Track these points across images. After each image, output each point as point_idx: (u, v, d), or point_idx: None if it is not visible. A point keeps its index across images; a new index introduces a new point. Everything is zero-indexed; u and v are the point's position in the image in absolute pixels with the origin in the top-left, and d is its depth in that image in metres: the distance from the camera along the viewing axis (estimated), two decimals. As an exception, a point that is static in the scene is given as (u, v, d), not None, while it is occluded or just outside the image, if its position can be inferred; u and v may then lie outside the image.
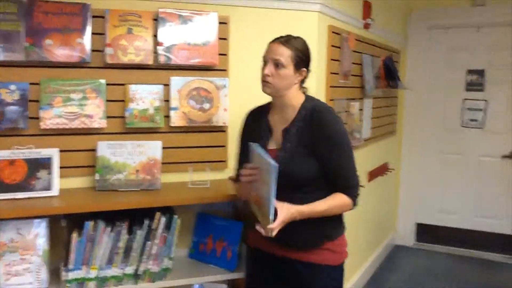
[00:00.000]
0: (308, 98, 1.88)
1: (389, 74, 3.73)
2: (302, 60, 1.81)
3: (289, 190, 1.73)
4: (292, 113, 1.84)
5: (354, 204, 1.83)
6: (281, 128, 1.85)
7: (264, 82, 1.80)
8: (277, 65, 1.78)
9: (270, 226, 1.60)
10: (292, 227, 1.71)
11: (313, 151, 1.78)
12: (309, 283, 1.87)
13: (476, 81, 4.50)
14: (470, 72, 4.52)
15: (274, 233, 1.62)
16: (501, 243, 4.52)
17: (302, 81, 1.88)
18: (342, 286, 1.96)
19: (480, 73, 4.48)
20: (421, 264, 4.38)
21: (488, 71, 4.43)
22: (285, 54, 1.77)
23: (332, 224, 1.88)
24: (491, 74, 4.42)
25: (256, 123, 1.95)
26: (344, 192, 1.80)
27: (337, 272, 1.92)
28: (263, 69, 1.81)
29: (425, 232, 4.85)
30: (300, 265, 1.87)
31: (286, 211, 1.66)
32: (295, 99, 1.85)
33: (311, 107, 1.82)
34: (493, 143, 4.46)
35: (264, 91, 1.83)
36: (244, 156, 1.93)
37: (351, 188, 1.82)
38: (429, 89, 4.68)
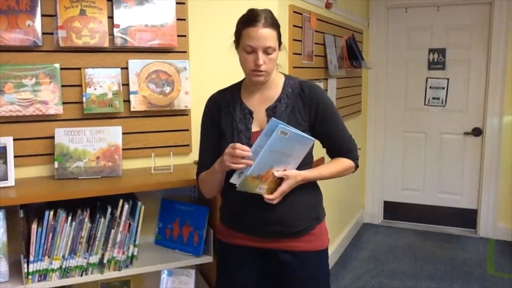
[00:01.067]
0: (288, 76, 1.83)
1: (353, 54, 3.74)
2: (280, 36, 1.73)
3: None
4: (275, 92, 1.76)
5: (357, 166, 1.84)
6: (263, 108, 1.75)
7: (257, 72, 1.67)
8: (271, 52, 1.66)
9: (269, 196, 1.64)
10: (286, 213, 1.72)
11: (309, 125, 1.74)
12: (298, 272, 1.79)
13: (438, 60, 4.57)
14: (432, 51, 4.59)
15: (275, 201, 1.65)
16: (463, 217, 4.65)
17: None
18: (328, 268, 1.93)
19: (442, 52, 4.55)
20: (387, 241, 4.47)
21: (449, 50, 4.51)
22: (273, 37, 1.66)
23: (320, 205, 1.88)
24: (452, 53, 4.50)
25: (228, 108, 1.80)
26: (346, 157, 1.81)
27: (325, 256, 1.88)
28: (247, 59, 1.67)
29: (392, 209, 4.94)
30: (287, 255, 1.77)
31: (291, 180, 1.65)
32: (276, 77, 1.78)
33: (297, 84, 1.76)
34: (454, 120, 4.56)
35: (257, 80, 1.70)
36: (211, 147, 1.80)
37: (352, 152, 1.82)
38: (393, 69, 4.73)
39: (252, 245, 1.80)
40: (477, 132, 4.47)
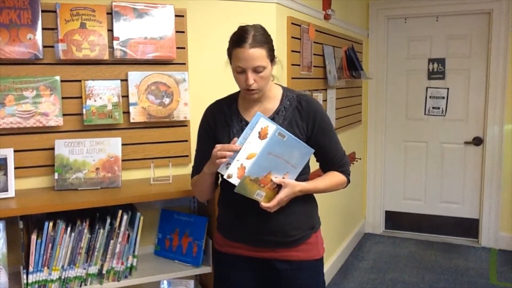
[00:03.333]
0: (286, 88, 1.84)
1: (352, 65, 3.77)
2: (273, 49, 1.72)
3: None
4: (273, 104, 1.77)
5: (348, 181, 1.87)
6: None
7: (249, 90, 1.68)
8: (261, 71, 1.66)
9: (267, 204, 1.64)
10: (282, 223, 1.73)
11: (306, 138, 1.75)
12: (294, 281, 1.80)
13: (437, 69, 4.59)
14: (431, 60, 4.61)
15: (272, 210, 1.66)
16: (465, 227, 4.63)
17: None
18: (324, 277, 1.94)
19: (441, 61, 4.57)
20: (389, 250, 4.46)
21: (448, 59, 4.53)
22: (262, 56, 1.65)
23: (316, 214, 1.89)
24: (451, 63, 4.52)
25: (225, 119, 1.80)
26: (339, 171, 1.83)
27: (321, 265, 1.89)
28: (238, 78, 1.69)
29: (394, 219, 4.93)
30: (283, 264, 1.79)
31: (290, 189, 1.66)
32: (273, 89, 1.80)
33: (295, 97, 1.78)
34: (455, 130, 4.57)
35: (251, 99, 1.74)
36: (205, 156, 1.75)
37: (344, 166, 1.84)
38: (393, 78, 4.75)
39: (248, 255, 1.81)
40: (477, 141, 4.47)
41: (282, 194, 1.65)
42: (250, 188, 1.62)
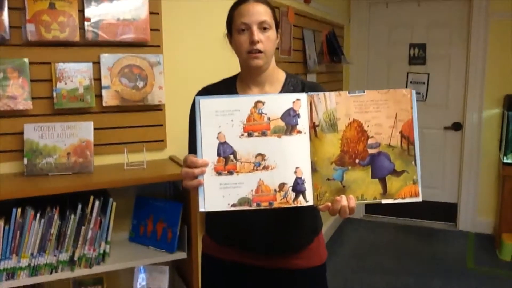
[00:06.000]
0: (289, 74, 1.62)
1: (333, 49, 3.74)
2: (277, 20, 1.53)
3: None
4: (275, 89, 1.56)
5: None
6: None
7: (253, 53, 1.45)
8: (264, 28, 1.45)
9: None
10: (279, 228, 1.53)
11: None
12: None
13: (418, 55, 4.59)
14: (412, 46, 4.60)
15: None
16: (444, 211, 4.69)
17: None
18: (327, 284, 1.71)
19: (422, 47, 4.57)
20: (368, 236, 4.50)
21: (429, 45, 4.53)
22: (267, 12, 1.47)
23: (319, 214, 1.65)
24: (432, 48, 4.53)
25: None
26: None
27: (323, 271, 1.68)
28: (241, 40, 1.46)
29: (373, 204, 4.94)
30: (283, 273, 1.59)
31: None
32: (276, 72, 1.58)
33: (299, 83, 1.58)
34: (435, 115, 4.59)
35: (255, 64, 1.47)
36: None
37: None
38: (374, 64, 4.74)
39: (242, 261, 1.61)
40: (457, 126, 4.50)
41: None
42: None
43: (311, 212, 1.58)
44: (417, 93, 4.55)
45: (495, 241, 4.17)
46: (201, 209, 1.30)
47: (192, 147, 1.44)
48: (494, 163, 4.37)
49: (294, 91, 1.54)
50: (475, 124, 4.39)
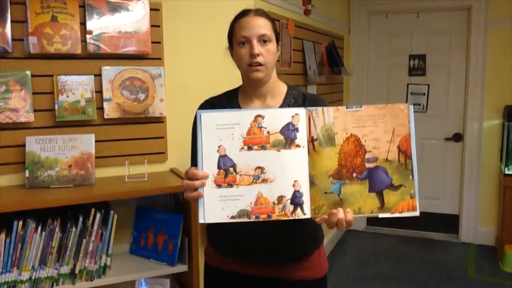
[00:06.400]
0: (291, 86, 1.62)
1: (332, 60, 3.75)
2: (277, 32, 1.55)
3: None
4: (277, 101, 1.56)
5: None
6: None
7: (254, 66, 1.46)
8: (264, 41, 1.46)
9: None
10: (279, 238, 1.51)
11: None
12: None
13: (418, 66, 4.60)
14: (412, 57, 4.62)
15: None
16: (445, 222, 4.67)
17: None
18: None
19: (422, 58, 4.58)
20: (369, 246, 4.48)
21: (429, 55, 4.55)
22: (267, 25, 1.48)
23: (317, 228, 1.62)
24: (432, 59, 4.54)
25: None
26: None
27: (324, 284, 1.65)
28: (241, 53, 1.47)
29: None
30: (283, 284, 1.58)
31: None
32: (278, 84, 1.58)
33: (301, 95, 1.57)
34: (435, 126, 4.59)
35: (256, 77, 1.48)
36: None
37: None
38: (374, 75, 4.75)
39: (243, 272, 1.60)
40: (457, 137, 4.50)
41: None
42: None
43: (311, 224, 1.46)
44: (418, 104, 4.57)
45: (497, 252, 4.15)
46: (201, 221, 1.31)
47: (194, 160, 1.42)
48: (495, 174, 4.36)
49: (296, 103, 1.55)
50: (476, 134, 4.39)
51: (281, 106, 1.54)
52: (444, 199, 4.66)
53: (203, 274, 1.77)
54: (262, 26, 1.47)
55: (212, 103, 1.61)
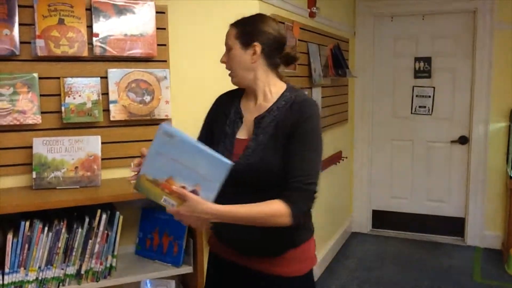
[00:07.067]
0: (291, 88, 1.65)
1: (337, 63, 3.76)
2: (249, 33, 1.60)
3: (251, 189, 1.54)
4: (268, 101, 1.62)
5: (293, 218, 1.47)
6: (254, 116, 1.62)
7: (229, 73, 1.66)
8: (228, 50, 1.63)
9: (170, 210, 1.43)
10: (250, 231, 1.52)
11: (285, 145, 1.55)
12: None
13: (423, 68, 4.60)
14: (418, 59, 4.62)
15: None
16: (451, 225, 4.66)
17: (274, 65, 1.64)
18: None
19: (427, 60, 4.58)
20: (375, 249, 4.47)
21: (435, 58, 4.54)
22: (230, 35, 1.63)
23: (296, 228, 1.59)
24: (437, 61, 4.54)
25: (227, 108, 1.72)
26: (284, 197, 1.47)
27: (304, 283, 1.69)
28: None
29: (381, 218, 4.94)
30: (263, 278, 1.63)
31: (191, 204, 1.38)
32: (274, 86, 1.63)
33: (293, 97, 1.59)
34: (441, 129, 4.59)
35: (232, 82, 1.67)
36: (204, 141, 1.57)
37: (295, 190, 1.48)
38: (379, 77, 4.76)
39: (236, 261, 1.68)
40: (463, 140, 4.49)
41: (181, 209, 1.39)
42: (152, 191, 1.43)
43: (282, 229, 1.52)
44: (423, 107, 4.57)
45: (503, 256, 4.13)
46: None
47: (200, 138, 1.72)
48: (501, 176, 4.35)
49: (285, 105, 1.59)
50: (482, 137, 4.38)
51: (271, 107, 1.60)
52: (450, 202, 4.64)
53: (207, 260, 1.87)
54: (227, 36, 1.65)
55: (221, 99, 1.79)
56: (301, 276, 1.66)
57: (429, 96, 4.60)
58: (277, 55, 1.63)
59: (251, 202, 1.47)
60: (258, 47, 1.59)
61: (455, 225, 4.64)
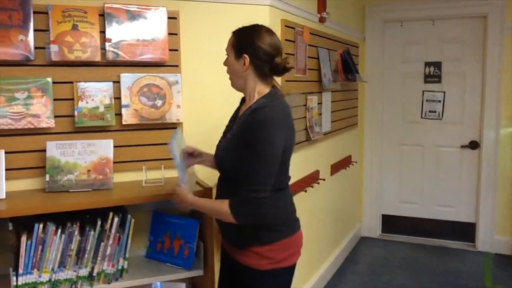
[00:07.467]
0: (267, 95, 1.81)
1: (347, 68, 3.77)
2: (242, 45, 1.80)
3: (224, 178, 1.90)
4: (250, 105, 1.82)
5: (236, 218, 1.70)
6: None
7: None
8: (227, 56, 1.86)
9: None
10: (228, 226, 1.77)
11: (241, 147, 1.72)
12: (243, 285, 1.88)
13: (434, 73, 4.59)
14: (428, 64, 4.61)
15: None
16: (461, 231, 4.63)
17: (263, 74, 1.81)
18: None
19: (437, 65, 4.57)
20: (384, 254, 4.45)
21: (445, 63, 4.53)
22: (230, 42, 1.85)
23: (265, 227, 1.80)
24: (447, 66, 4.53)
25: (236, 110, 2.01)
26: (233, 200, 1.71)
27: (263, 279, 1.83)
28: None
29: (390, 222, 4.92)
30: (235, 264, 1.89)
31: (180, 195, 1.89)
32: (256, 93, 1.82)
33: (257, 104, 1.76)
34: (451, 133, 4.57)
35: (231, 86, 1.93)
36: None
37: (235, 200, 1.70)
38: (389, 82, 4.75)
39: (226, 250, 1.99)
40: (474, 145, 4.47)
41: (178, 189, 1.92)
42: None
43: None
44: (433, 112, 4.56)
45: (515, 261, 4.10)
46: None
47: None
48: (512, 181, 4.32)
49: (249, 111, 1.77)
50: (492, 142, 4.35)
51: (245, 111, 1.80)
52: (460, 207, 4.62)
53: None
54: (228, 43, 1.86)
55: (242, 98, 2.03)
56: (261, 271, 1.82)
57: (439, 101, 4.59)
58: (267, 66, 1.79)
59: (222, 189, 1.90)
60: (247, 60, 1.79)
61: (466, 230, 4.61)
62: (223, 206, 1.72)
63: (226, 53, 1.87)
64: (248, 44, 1.79)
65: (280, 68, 1.80)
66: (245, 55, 1.79)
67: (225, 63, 1.89)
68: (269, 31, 1.82)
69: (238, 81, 1.86)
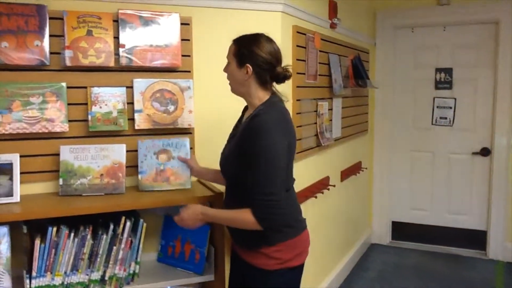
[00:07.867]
0: (267, 101, 1.86)
1: (358, 73, 3.77)
2: (244, 54, 1.82)
3: (231, 186, 1.94)
4: (251, 112, 1.87)
5: (261, 224, 1.74)
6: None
7: None
8: (228, 63, 1.90)
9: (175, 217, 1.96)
10: (237, 228, 1.85)
11: (244, 155, 1.77)
12: (249, 285, 1.92)
13: (444, 79, 4.57)
14: (438, 70, 4.60)
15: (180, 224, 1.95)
16: (472, 238, 4.59)
17: (264, 82, 1.86)
18: None
19: (448, 71, 4.55)
20: (394, 261, 4.43)
21: (456, 69, 4.51)
22: (231, 50, 1.88)
23: (273, 228, 1.82)
24: (459, 72, 4.51)
25: (239, 117, 2.05)
26: (251, 208, 1.74)
27: (272, 279, 1.86)
28: None
29: (400, 229, 4.89)
30: (245, 265, 1.93)
31: (191, 209, 1.91)
32: (257, 99, 1.87)
33: (258, 111, 1.81)
34: (462, 140, 4.54)
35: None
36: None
37: (256, 207, 1.73)
38: (400, 88, 4.74)
39: (236, 251, 2.04)
40: (485, 152, 4.44)
41: (184, 213, 1.93)
42: None
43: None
44: (444, 118, 4.54)
45: (527, 270, 4.06)
46: None
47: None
48: (524, 189, 4.29)
49: (249, 118, 1.83)
50: (504, 149, 4.32)
51: (247, 118, 1.86)
52: (471, 214, 4.58)
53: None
54: (228, 51, 1.90)
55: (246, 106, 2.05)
56: (269, 271, 1.85)
57: (450, 107, 4.57)
58: (268, 74, 1.84)
59: (229, 193, 1.95)
60: (249, 69, 1.82)
61: (477, 238, 4.57)
62: (247, 216, 1.74)
63: (228, 61, 1.90)
64: (249, 53, 1.82)
65: (281, 76, 1.86)
66: (248, 65, 1.82)
67: (226, 70, 1.92)
68: (269, 40, 1.86)
69: (239, 88, 1.90)
